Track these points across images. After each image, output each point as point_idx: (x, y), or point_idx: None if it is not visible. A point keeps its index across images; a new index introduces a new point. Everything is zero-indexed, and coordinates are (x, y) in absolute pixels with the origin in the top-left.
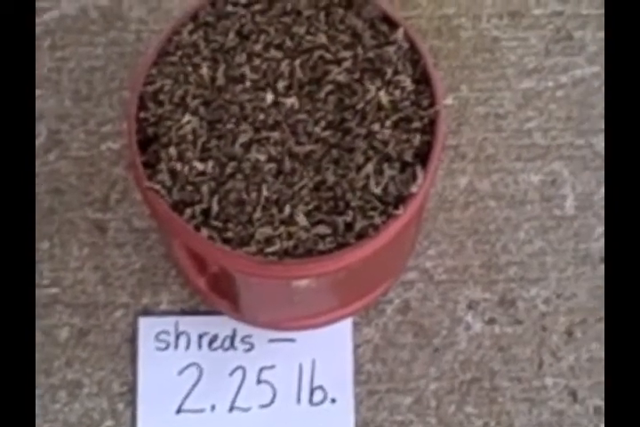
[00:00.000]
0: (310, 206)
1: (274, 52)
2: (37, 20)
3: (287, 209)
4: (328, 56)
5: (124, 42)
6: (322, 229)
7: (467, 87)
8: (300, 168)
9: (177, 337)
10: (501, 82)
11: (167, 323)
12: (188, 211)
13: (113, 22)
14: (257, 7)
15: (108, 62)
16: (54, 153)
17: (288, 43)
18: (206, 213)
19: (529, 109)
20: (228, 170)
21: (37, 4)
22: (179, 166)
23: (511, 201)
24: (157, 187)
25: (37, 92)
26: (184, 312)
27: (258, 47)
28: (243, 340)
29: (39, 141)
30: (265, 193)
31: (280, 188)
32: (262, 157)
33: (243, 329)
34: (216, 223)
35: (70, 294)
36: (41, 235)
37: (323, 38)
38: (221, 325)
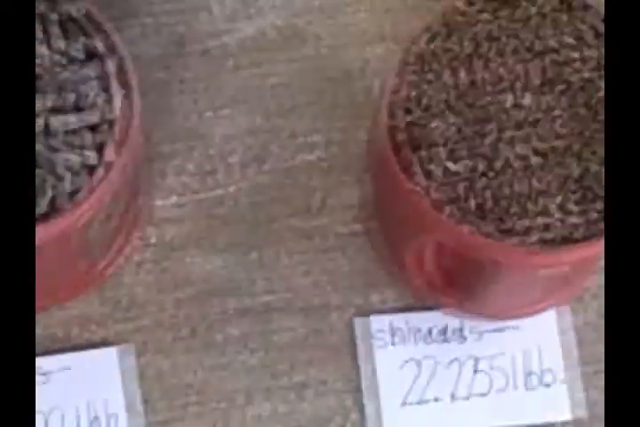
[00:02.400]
0: (560, 199)
1: (507, 57)
2: (217, 43)
3: (540, 202)
4: (558, 58)
5: (303, 58)
6: (574, 220)
7: None
8: (546, 163)
9: (392, 334)
10: None
11: (381, 321)
12: (447, 209)
13: (290, 40)
14: (486, 16)
15: (290, 79)
16: (252, 168)
17: (520, 48)
18: (463, 210)
19: None
20: (480, 169)
21: (216, 27)
22: (432, 168)
23: None
24: (417, 188)
25: (226, 111)
26: (395, 310)
27: (492, 53)
28: (454, 333)
29: (236, 159)
30: (517, 188)
31: (530, 182)
32: (510, 155)
33: (453, 322)
34: (474, 219)
35: (285, 300)
36: (250, 246)
37: (551, 42)
38: (433, 320)
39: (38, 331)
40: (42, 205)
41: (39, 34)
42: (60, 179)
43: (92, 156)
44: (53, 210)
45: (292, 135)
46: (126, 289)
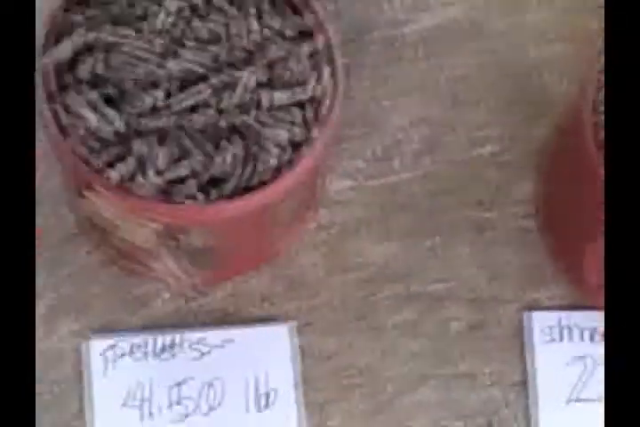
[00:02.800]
0: None
1: None
2: (396, 32)
3: None
4: None
5: (481, 53)
6: None
7: None
8: None
9: (559, 331)
10: None
11: (549, 317)
12: None
13: (468, 34)
14: None
15: (467, 72)
16: (426, 157)
17: None
18: None
19: None
20: None
21: (396, 17)
22: None
23: None
24: None
25: (403, 100)
26: (562, 307)
27: None
28: None
29: (410, 148)
30: None
31: None
32: None
33: None
34: None
35: (454, 289)
36: (422, 234)
37: None
38: (599, 319)
39: (207, 302)
40: (247, 178)
41: (252, 11)
42: (267, 153)
43: (299, 132)
44: (258, 183)
45: (467, 128)
46: (297, 268)
